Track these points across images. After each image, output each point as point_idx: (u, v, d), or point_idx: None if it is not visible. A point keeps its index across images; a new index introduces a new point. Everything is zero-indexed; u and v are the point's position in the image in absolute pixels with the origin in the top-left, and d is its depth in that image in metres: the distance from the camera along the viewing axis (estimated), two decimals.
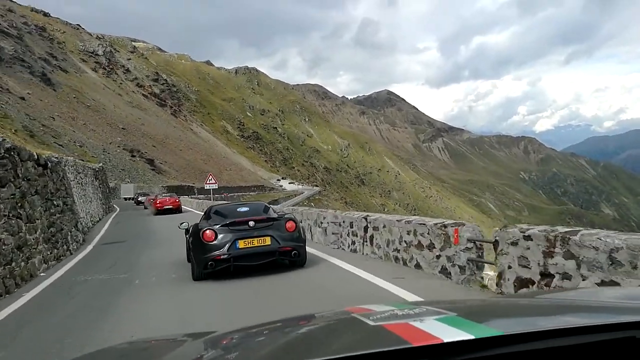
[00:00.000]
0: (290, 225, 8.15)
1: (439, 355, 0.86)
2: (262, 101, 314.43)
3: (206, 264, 7.59)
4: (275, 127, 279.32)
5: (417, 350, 0.86)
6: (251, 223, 7.92)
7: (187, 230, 9.40)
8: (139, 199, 47.69)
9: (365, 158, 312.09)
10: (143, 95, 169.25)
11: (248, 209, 8.81)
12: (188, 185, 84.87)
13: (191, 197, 60.70)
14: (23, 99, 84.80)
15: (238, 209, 8.74)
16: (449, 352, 0.86)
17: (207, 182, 32.25)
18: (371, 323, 1.11)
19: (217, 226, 7.89)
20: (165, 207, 29.11)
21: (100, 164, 29.48)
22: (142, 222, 25.53)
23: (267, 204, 9.78)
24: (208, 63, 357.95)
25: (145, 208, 37.36)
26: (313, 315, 1.54)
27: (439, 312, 1.15)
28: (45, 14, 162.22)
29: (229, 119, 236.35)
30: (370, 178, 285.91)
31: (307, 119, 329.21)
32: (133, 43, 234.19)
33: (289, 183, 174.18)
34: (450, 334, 0.92)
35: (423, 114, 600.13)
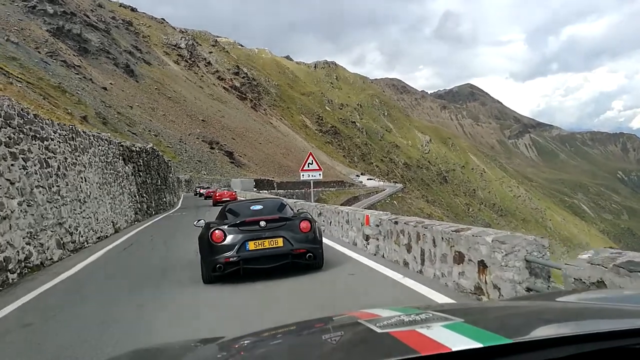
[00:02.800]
0: (304, 225, 7.46)
1: None
2: (341, 95, 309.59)
3: (214, 267, 7.01)
4: (354, 122, 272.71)
5: None
6: (262, 223, 7.25)
7: None
8: (200, 192, 52.05)
9: (447, 154, 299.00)
10: (224, 88, 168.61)
11: (262, 207, 8.10)
12: (267, 179, 79.69)
13: (270, 193, 54.78)
14: (105, 88, 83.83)
15: (251, 207, 8.09)
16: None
17: (305, 168, 18.02)
18: (378, 330, 1.11)
19: (226, 226, 7.25)
20: (223, 199, 31.00)
21: (151, 145, 23.45)
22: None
23: (283, 202, 8.81)
24: (287, 58, 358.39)
25: (206, 198, 41.80)
26: (319, 321, 1.52)
27: (445, 318, 1.15)
28: (133, 9, 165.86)
29: (308, 113, 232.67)
30: (453, 175, 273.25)
31: (386, 113, 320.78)
32: (215, 38, 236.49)
33: (368, 179, 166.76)
34: (458, 342, 0.91)
35: (508, 108, 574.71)
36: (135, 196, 17.42)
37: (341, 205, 50.48)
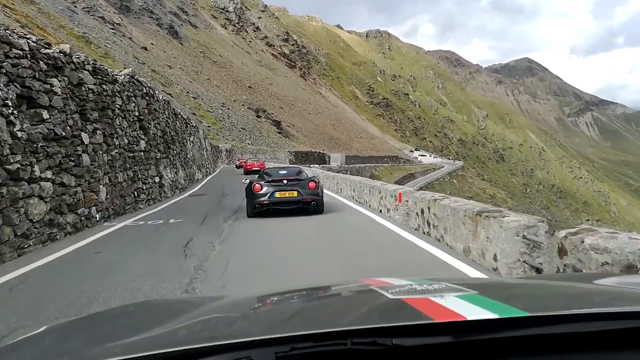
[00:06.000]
0: (312, 184, 10.89)
1: (462, 332, 0.83)
2: (393, 66, 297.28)
3: (254, 206, 10.51)
4: (407, 94, 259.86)
5: (439, 327, 0.84)
6: (285, 181, 10.84)
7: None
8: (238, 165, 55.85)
9: (504, 131, 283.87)
10: (272, 54, 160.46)
11: (286, 172, 11.76)
12: (318, 152, 71.45)
13: (322, 168, 47.09)
14: (145, 48, 77.32)
15: (279, 172, 11.77)
16: (472, 330, 0.84)
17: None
18: (390, 296, 1.09)
19: (263, 182, 10.79)
20: (253, 168, 34.68)
21: (128, 70, 15.00)
22: None
23: (301, 169, 12.77)
24: (338, 27, 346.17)
25: (238, 168, 45.50)
26: (330, 286, 1.52)
27: (459, 289, 1.12)
28: None
29: (359, 84, 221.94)
30: (510, 154, 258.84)
31: (440, 86, 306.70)
32: (264, 4, 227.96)
33: (420, 155, 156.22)
34: (473, 312, 0.89)
35: (568, 85, 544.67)
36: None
37: (395, 183, 43.76)
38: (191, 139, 24.44)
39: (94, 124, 8.83)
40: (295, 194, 10.57)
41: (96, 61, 8.74)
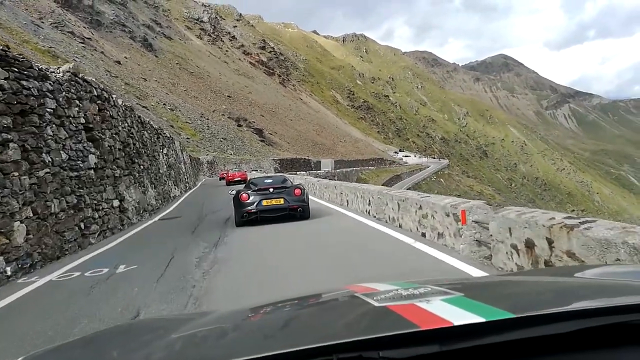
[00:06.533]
0: (297, 191, 11.24)
1: (449, 339, 0.82)
2: (372, 69, 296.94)
3: (242, 215, 10.82)
4: (387, 96, 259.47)
5: (426, 334, 0.82)
6: (271, 189, 11.19)
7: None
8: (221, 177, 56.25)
9: (486, 127, 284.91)
10: (250, 63, 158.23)
11: (272, 180, 12.11)
12: (303, 158, 69.48)
13: (308, 174, 45.41)
14: (119, 62, 74.68)
15: (265, 181, 12.14)
16: (459, 335, 0.82)
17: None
18: (376, 304, 1.07)
19: (250, 191, 11.19)
20: (235, 179, 34.84)
21: (69, 66, 12.83)
22: None
23: (286, 177, 13.31)
24: (314, 32, 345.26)
25: (220, 179, 43.40)
26: (316, 295, 1.51)
27: (445, 292, 1.11)
28: None
29: (339, 88, 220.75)
30: (493, 149, 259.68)
31: (419, 86, 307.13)
32: (239, 13, 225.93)
33: (405, 156, 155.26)
34: (459, 316, 0.88)
35: (544, 78, 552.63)
36: None
37: (382, 185, 41.77)
38: (164, 152, 21.67)
39: (3, 134, 6.22)
40: (281, 201, 10.95)
41: (8, 48, 6.45)
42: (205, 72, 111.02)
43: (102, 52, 73.55)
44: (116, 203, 11.47)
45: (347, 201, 13.27)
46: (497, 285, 1.47)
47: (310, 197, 13.05)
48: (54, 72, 8.16)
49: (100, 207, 10.05)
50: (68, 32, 69.25)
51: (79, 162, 8.84)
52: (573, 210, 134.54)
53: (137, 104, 45.81)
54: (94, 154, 9.75)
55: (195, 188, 33.74)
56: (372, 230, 8.89)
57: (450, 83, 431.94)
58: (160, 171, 19.44)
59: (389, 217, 9.30)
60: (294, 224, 10.58)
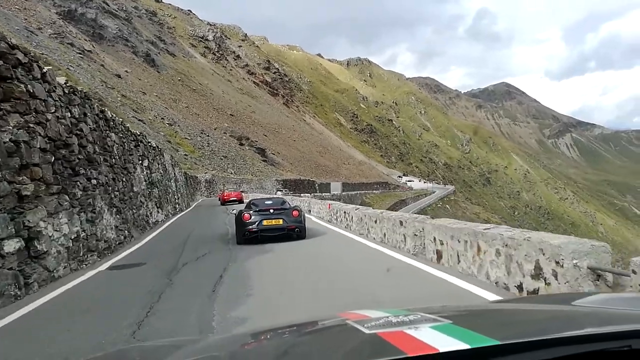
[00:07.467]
0: (295, 212, 11.88)
1: None
2: (375, 93, 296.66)
3: (244, 234, 11.36)
4: (390, 120, 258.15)
5: None
6: (271, 210, 11.84)
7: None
8: (219, 197, 55.62)
9: (489, 155, 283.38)
10: (254, 82, 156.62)
11: (272, 202, 12.93)
12: (307, 179, 66.45)
13: (313, 196, 42.31)
14: (119, 76, 72.39)
15: (265, 202, 12.89)
16: None
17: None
18: (366, 331, 1.09)
19: (251, 211, 11.74)
20: (230, 198, 35.38)
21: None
22: None
23: (284, 199, 14.08)
24: (319, 56, 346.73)
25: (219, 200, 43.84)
26: (307, 322, 1.50)
27: (434, 320, 1.12)
28: (157, 0, 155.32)
29: (342, 110, 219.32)
30: (496, 177, 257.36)
31: (423, 112, 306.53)
32: (244, 33, 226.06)
33: (408, 181, 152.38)
34: (445, 343, 0.89)
35: (546, 107, 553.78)
36: None
37: (387, 209, 38.46)
38: (144, 164, 17.85)
39: None
40: (280, 221, 11.47)
41: None
42: (208, 90, 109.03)
43: (102, 65, 71.41)
44: (13, 246, 6.46)
45: (369, 229, 11.92)
46: (487, 312, 1.48)
47: (358, 238, 12.10)
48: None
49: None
50: (67, 43, 67.11)
51: None
52: None
53: (132, 116, 43.19)
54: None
55: (187, 210, 29.54)
56: (428, 277, 6.90)
57: (453, 109, 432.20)
58: (135, 189, 15.39)
59: (446, 258, 7.16)
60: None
